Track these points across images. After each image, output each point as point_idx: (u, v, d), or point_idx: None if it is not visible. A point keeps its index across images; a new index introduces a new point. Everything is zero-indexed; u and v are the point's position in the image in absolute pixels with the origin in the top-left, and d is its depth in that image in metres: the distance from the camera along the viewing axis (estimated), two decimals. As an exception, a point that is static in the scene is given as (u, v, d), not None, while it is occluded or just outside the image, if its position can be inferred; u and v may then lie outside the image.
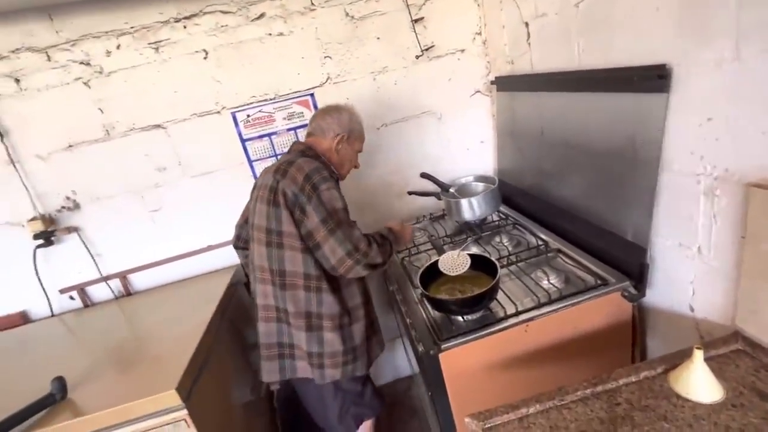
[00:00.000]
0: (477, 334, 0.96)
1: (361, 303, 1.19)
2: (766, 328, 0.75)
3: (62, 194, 1.50)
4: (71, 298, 1.62)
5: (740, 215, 0.76)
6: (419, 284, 1.06)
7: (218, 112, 1.51)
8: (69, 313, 1.60)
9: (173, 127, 1.50)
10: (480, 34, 1.63)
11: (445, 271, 1.09)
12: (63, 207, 1.51)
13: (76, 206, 1.52)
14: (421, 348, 1.01)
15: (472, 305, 0.98)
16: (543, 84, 1.31)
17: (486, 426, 0.75)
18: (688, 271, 0.91)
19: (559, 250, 1.21)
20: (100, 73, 1.40)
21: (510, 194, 1.62)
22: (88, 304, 1.62)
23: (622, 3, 0.91)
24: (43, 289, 1.54)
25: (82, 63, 1.38)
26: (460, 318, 1.02)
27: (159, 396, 0.91)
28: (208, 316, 1.22)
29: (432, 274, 1.13)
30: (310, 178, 1.08)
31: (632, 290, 0.99)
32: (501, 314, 0.98)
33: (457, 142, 1.75)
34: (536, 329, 0.98)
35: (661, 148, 0.88)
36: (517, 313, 0.98)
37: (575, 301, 0.98)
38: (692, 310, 0.93)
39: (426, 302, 1.08)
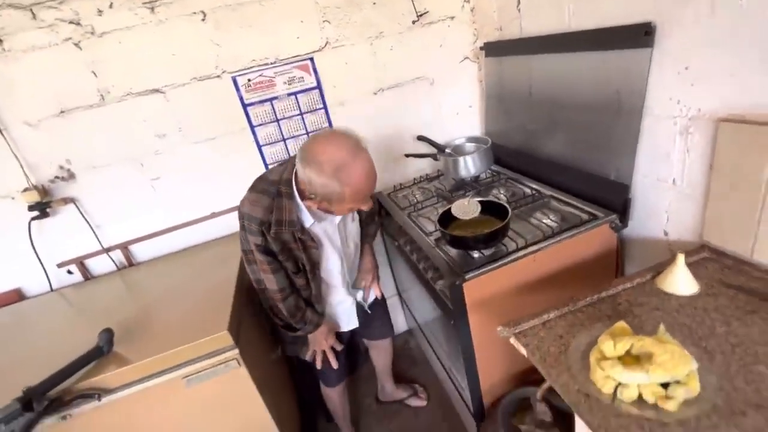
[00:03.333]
0: (494, 265, 1.09)
1: None
2: (727, 239, 0.94)
3: (55, 163, 1.44)
4: (69, 272, 1.57)
5: (709, 148, 0.93)
6: (439, 225, 1.17)
7: (218, 77, 1.50)
8: (68, 288, 1.56)
9: (172, 92, 1.47)
10: (468, 1, 1.72)
11: (458, 216, 1.21)
12: (57, 177, 1.45)
13: (71, 176, 1.47)
14: (443, 282, 1.14)
15: (489, 241, 1.12)
16: (532, 47, 1.44)
17: (516, 331, 0.88)
18: (664, 200, 1.09)
19: (552, 197, 1.37)
20: (92, 33, 1.34)
21: (499, 154, 1.76)
22: (88, 277, 1.59)
23: (612, -32, 1.04)
24: (41, 263, 1.49)
25: (71, 22, 1.31)
26: (476, 254, 1.15)
27: (211, 338, 0.97)
28: (235, 270, 1.27)
29: (444, 221, 1.25)
30: (242, 216, 1.10)
31: (618, 222, 1.17)
32: (512, 247, 1.12)
33: (447, 107, 1.86)
34: (542, 259, 1.13)
35: (644, 97, 1.04)
36: (526, 246, 1.12)
37: (572, 233, 1.15)
38: (666, 234, 1.12)
39: (445, 242, 1.20)
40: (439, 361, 1.74)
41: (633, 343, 0.72)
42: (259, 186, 1.09)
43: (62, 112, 1.39)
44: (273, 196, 1.05)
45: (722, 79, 0.86)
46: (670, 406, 0.64)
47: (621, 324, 0.78)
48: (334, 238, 1.22)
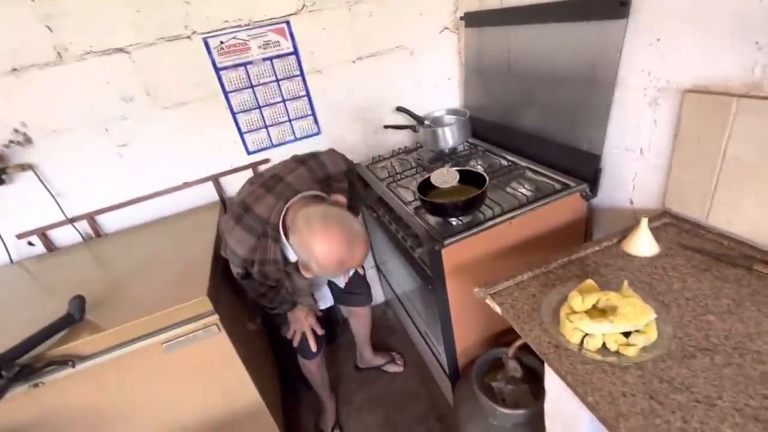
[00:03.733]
0: (471, 231, 1.13)
1: None
2: (686, 205, 1.01)
3: (9, 127, 1.33)
4: (30, 243, 1.49)
5: (675, 118, 0.98)
6: (419, 193, 1.19)
7: (188, 37, 1.42)
8: (30, 260, 1.48)
9: (138, 52, 1.38)
10: (449, -31, 1.69)
11: (437, 185, 1.23)
12: (11, 141, 1.35)
13: (28, 140, 1.37)
14: (422, 249, 1.17)
15: (467, 208, 1.14)
16: (512, 17, 1.44)
17: (492, 292, 0.92)
18: (631, 170, 1.14)
19: (527, 168, 1.41)
20: (45, -17, 1.23)
21: (476, 127, 1.77)
22: (51, 248, 1.51)
23: (592, -63, 1.04)
24: (-1, 234, 1.41)
25: (21, -30, 1.20)
26: (454, 221, 1.17)
27: (190, 303, 0.95)
28: (210, 241, 1.24)
29: (423, 190, 1.26)
30: (225, 245, 1.06)
31: (588, 191, 1.22)
32: (489, 214, 1.16)
33: (427, 79, 1.84)
34: (517, 225, 1.17)
35: (617, 69, 1.07)
36: (503, 213, 1.16)
37: (546, 201, 1.19)
38: (632, 202, 1.18)
39: (424, 210, 1.22)
40: (416, 329, 1.80)
41: (599, 298, 0.77)
42: (245, 220, 1.00)
43: (15, 70, 1.28)
44: (258, 236, 1.00)
45: (689, 52, 0.90)
46: (631, 352, 0.70)
47: (589, 282, 0.83)
48: None
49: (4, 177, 1.35)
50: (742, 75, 0.82)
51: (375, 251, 2.06)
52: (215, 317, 0.99)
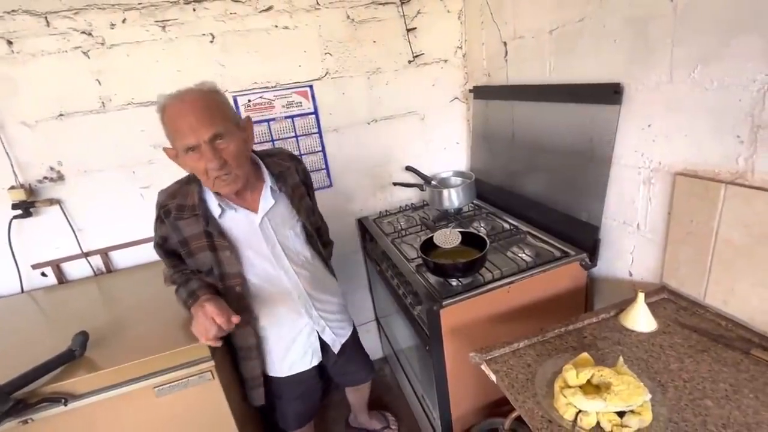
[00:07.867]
0: (470, 294, 1.14)
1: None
2: (683, 282, 1.02)
3: (46, 164, 1.44)
4: (43, 274, 1.54)
5: (668, 197, 1.03)
6: (421, 252, 1.22)
7: (220, 95, 1.56)
8: (40, 291, 1.52)
9: (173, 105, 1.52)
10: (461, 48, 1.86)
11: (439, 245, 1.27)
12: (45, 178, 1.45)
13: (60, 178, 1.47)
14: (421, 307, 1.18)
15: (467, 270, 1.17)
16: (516, 94, 1.56)
17: (487, 358, 0.92)
18: (629, 243, 1.17)
19: (528, 233, 1.45)
20: (102, 44, 1.40)
21: (481, 190, 1.85)
22: (62, 281, 1.56)
23: (588, 34, 1.16)
24: (15, 263, 1.46)
25: (83, 32, 1.37)
26: (454, 282, 1.20)
27: (189, 347, 0.96)
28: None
29: (425, 249, 1.30)
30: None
31: (588, 261, 1.25)
32: (489, 277, 1.18)
33: (436, 142, 1.96)
34: (516, 290, 1.19)
35: (613, 148, 1.14)
36: (502, 277, 1.18)
37: (545, 268, 1.21)
38: (630, 274, 1.20)
39: (426, 268, 1.25)
40: (412, 390, 1.74)
41: (594, 373, 0.77)
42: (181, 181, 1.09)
43: (61, 115, 1.41)
44: (182, 184, 1.06)
45: (678, 138, 0.96)
46: (625, 433, 0.69)
47: (584, 355, 0.83)
48: (255, 242, 1.06)
49: (31, 210, 1.43)
50: (728, 164, 0.87)
51: (376, 304, 2.05)
52: (211, 363, 1.00)
